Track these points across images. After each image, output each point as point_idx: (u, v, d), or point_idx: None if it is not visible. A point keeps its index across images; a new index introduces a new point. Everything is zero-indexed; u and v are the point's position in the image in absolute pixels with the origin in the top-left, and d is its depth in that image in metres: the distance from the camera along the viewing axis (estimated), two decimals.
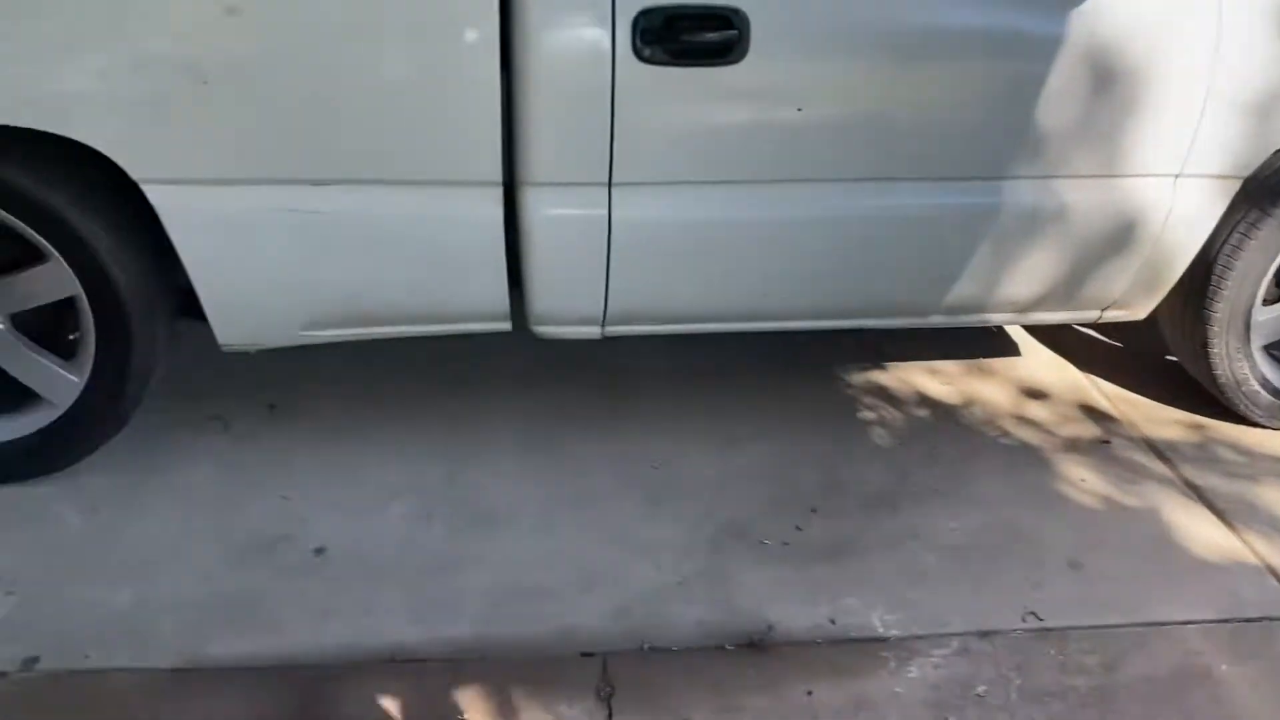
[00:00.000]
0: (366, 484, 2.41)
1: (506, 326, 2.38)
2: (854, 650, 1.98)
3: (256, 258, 2.18)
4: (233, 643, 1.94)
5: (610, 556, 2.21)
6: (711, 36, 2.04)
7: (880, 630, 2.02)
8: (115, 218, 2.15)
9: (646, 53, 2.02)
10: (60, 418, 2.28)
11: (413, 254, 2.22)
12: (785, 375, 2.93)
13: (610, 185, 2.15)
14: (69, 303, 2.18)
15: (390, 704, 1.82)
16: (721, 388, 2.84)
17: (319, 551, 2.20)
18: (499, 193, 2.17)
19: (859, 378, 2.93)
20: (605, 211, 2.19)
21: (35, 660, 1.88)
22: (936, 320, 2.52)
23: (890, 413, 2.76)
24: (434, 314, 2.33)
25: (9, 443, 2.28)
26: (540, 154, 2.12)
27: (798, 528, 2.30)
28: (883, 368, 2.97)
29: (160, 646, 1.92)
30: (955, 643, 1.99)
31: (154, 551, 2.17)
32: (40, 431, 2.28)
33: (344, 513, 2.31)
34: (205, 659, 1.91)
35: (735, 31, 2.03)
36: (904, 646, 1.98)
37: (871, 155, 2.22)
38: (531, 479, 2.46)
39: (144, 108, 1.99)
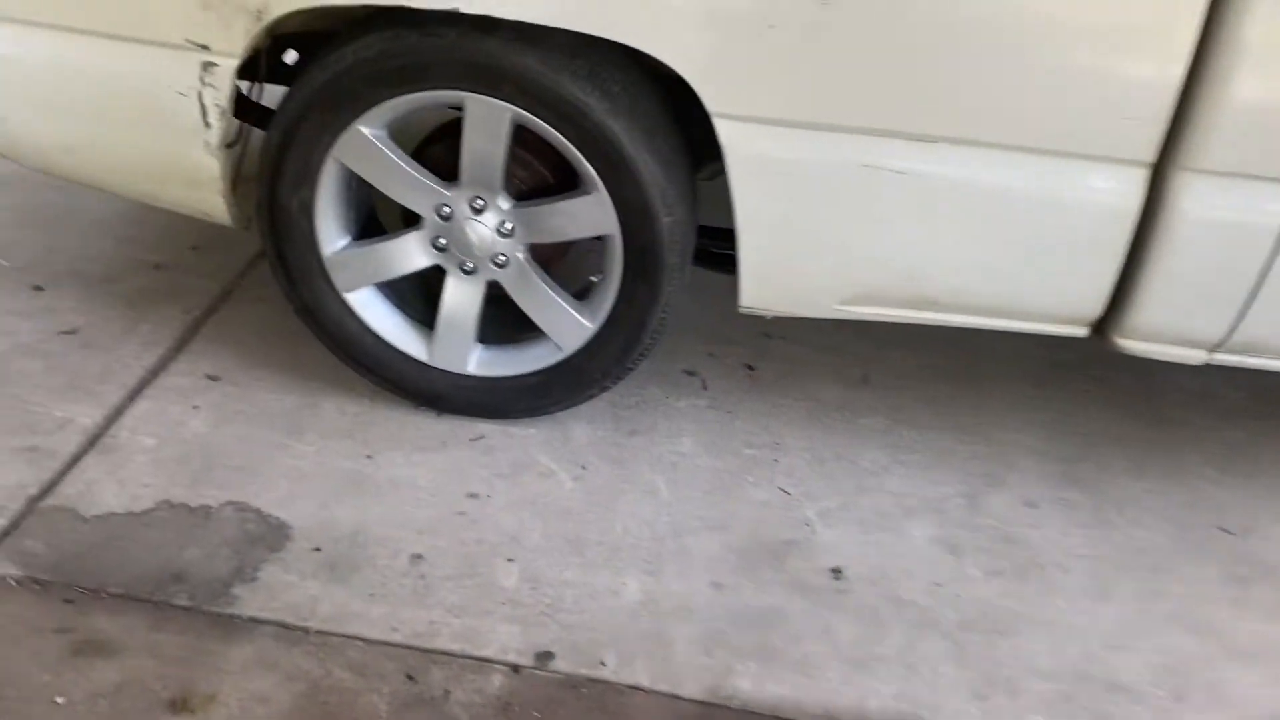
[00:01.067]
0: (872, 489, 2.05)
1: (1083, 332, 1.92)
2: None
3: (817, 216, 1.82)
4: (761, 680, 1.65)
5: (1198, 652, 1.76)
6: None
7: None
8: (669, 154, 1.85)
9: None
10: (562, 362, 2.04)
11: (1009, 235, 1.78)
12: None
13: None
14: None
15: None
16: None
17: (836, 573, 1.87)
18: (1145, 175, 1.69)
19: None
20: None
21: (550, 657, 1.66)
22: None
23: None
24: (1007, 307, 1.90)
25: (509, 378, 2.08)
26: (1223, 134, 1.62)
27: None
28: None
29: (681, 667, 1.66)
30: None
31: (650, 535, 1.91)
32: (540, 372, 2.06)
33: (854, 523, 1.97)
34: (732, 694, 1.62)
35: None
36: None
37: None
38: (1069, 519, 2.02)
39: (744, 28, 1.65)
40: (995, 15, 1.59)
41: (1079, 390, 2.37)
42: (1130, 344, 1.90)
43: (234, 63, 1.81)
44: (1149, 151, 1.66)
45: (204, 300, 2.42)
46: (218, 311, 2.40)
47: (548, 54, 1.73)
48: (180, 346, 2.28)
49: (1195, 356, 1.89)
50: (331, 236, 1.98)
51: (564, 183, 1.95)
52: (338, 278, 2.02)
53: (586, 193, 1.85)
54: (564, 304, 1.98)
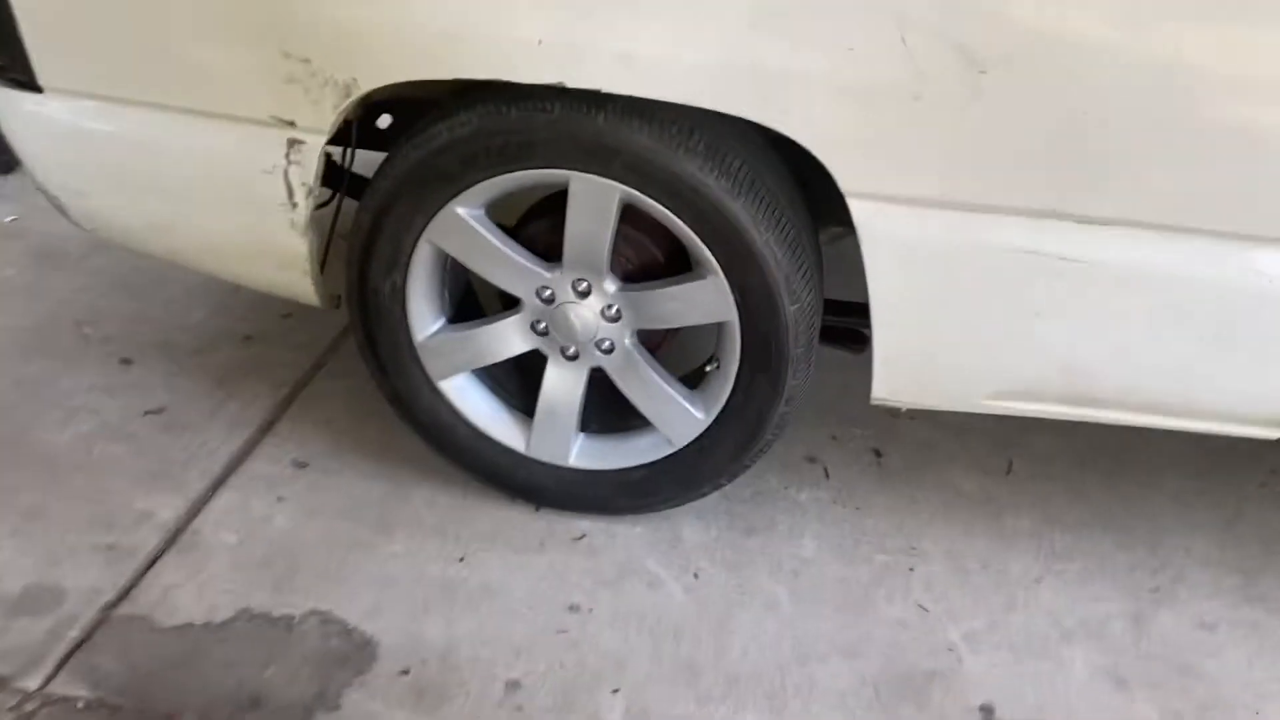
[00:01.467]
0: (1023, 605, 1.81)
1: (1276, 435, 1.66)
2: None
3: (967, 305, 1.59)
4: None
5: None
6: None
7: None
8: (795, 234, 1.65)
9: None
10: (671, 456, 1.85)
11: (1193, 328, 1.54)
12: None
13: None
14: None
15: None
16: None
17: (987, 713, 1.63)
18: None
19: None
20: None
21: None
22: None
23: None
24: (1186, 407, 1.65)
25: (613, 471, 1.90)
26: None
27: None
28: None
29: None
30: None
31: (772, 661, 1.70)
32: (647, 466, 1.87)
33: (1004, 649, 1.73)
34: None
35: None
36: None
37: None
38: (1254, 647, 1.75)
39: (886, 99, 1.44)
40: (1188, 84, 1.36)
41: (1251, 483, 2.08)
42: None
43: (321, 139, 1.67)
44: None
45: (294, 375, 2.30)
46: (308, 387, 2.28)
47: (661, 130, 1.55)
48: (268, 427, 2.16)
49: None
50: (424, 321, 1.83)
51: (677, 263, 1.78)
52: (431, 365, 1.86)
53: (702, 277, 1.67)
54: (674, 394, 1.80)
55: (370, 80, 1.59)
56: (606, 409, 1.89)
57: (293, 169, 1.71)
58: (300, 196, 1.73)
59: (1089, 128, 1.41)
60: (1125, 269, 1.51)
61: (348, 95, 1.60)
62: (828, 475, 2.08)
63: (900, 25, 1.39)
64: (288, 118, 1.66)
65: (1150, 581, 1.87)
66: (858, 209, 1.54)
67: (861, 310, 1.65)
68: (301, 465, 2.07)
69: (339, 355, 2.37)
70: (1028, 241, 1.52)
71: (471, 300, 1.97)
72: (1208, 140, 1.38)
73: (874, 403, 1.75)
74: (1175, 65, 1.34)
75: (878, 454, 2.14)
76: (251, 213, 1.77)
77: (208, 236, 1.86)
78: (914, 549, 1.93)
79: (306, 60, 1.60)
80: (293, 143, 1.68)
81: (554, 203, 1.73)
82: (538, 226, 1.80)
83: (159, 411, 2.19)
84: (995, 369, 1.67)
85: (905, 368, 1.70)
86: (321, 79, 1.60)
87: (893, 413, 2.21)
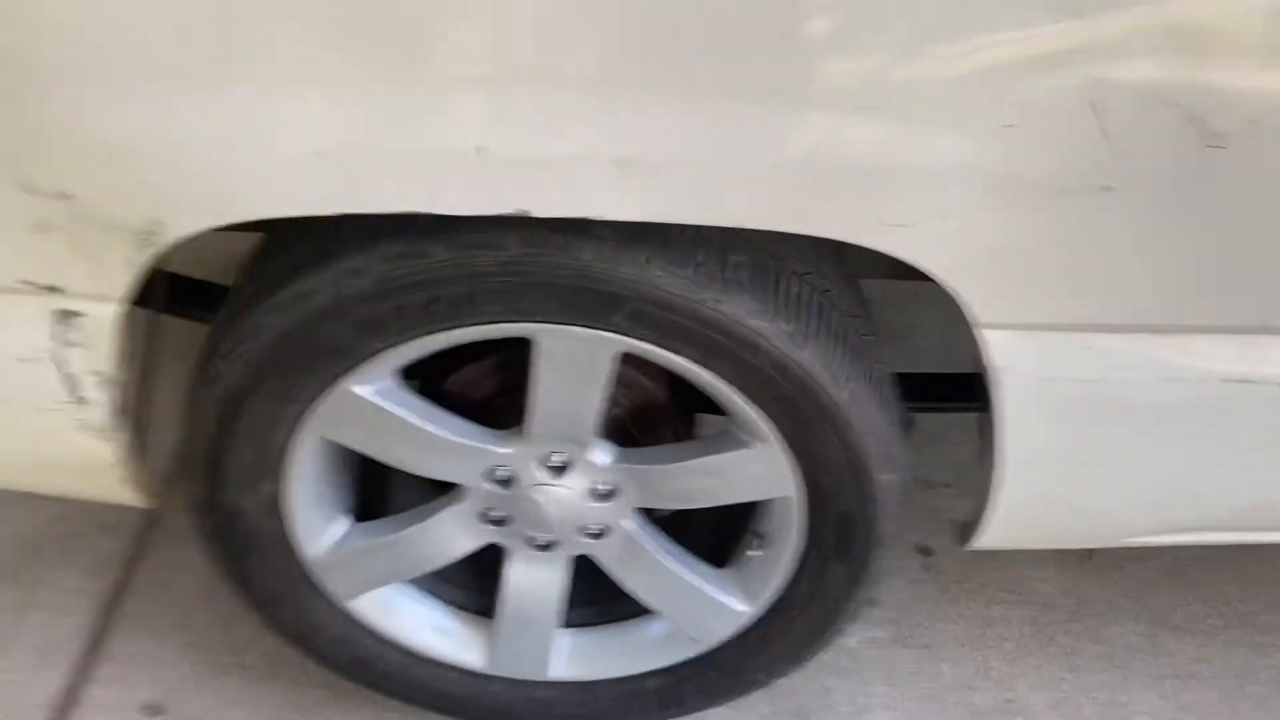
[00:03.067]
0: None
1: None
2: None
3: (1136, 445, 1.10)
4: None
5: None
6: None
7: None
8: (882, 376, 1.11)
9: None
10: (700, 657, 1.32)
11: None
12: None
13: None
14: None
15: None
16: None
17: None
18: None
19: None
20: None
21: None
22: None
23: None
24: None
25: (610, 682, 1.35)
26: None
27: None
28: None
29: None
30: None
31: None
32: (664, 672, 1.33)
33: None
34: None
35: None
36: None
37: None
38: None
39: (1050, 194, 0.90)
40: None
41: None
42: None
43: (109, 309, 1.01)
44: None
45: (116, 549, 1.63)
46: (141, 566, 1.62)
47: (684, 260, 0.96)
48: (94, 647, 1.51)
49: None
50: (318, 531, 1.22)
51: (688, 401, 1.22)
52: (336, 584, 1.25)
53: (744, 444, 1.11)
54: (696, 582, 1.25)
55: (184, 224, 0.93)
56: (595, 586, 1.34)
57: (72, 353, 1.04)
58: (90, 389, 1.07)
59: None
60: None
61: (147, 245, 0.95)
62: (874, 602, 1.58)
63: (1092, 89, 0.84)
64: (46, 282, 0.99)
65: None
66: (995, 342, 1.01)
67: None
68: (155, 712, 1.44)
69: (173, 501, 1.71)
70: (1236, 366, 1.03)
71: (377, 478, 1.35)
72: None
73: (968, 548, 1.25)
74: None
75: (925, 554, 1.66)
76: (23, 418, 1.10)
77: None
78: (1010, 701, 1.47)
79: (63, 196, 0.93)
80: (62, 316, 1.02)
81: (491, 346, 1.13)
82: (467, 377, 1.20)
83: None
84: (1158, 510, 1.19)
85: (1034, 516, 1.21)
86: (99, 223, 0.94)
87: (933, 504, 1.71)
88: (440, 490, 1.26)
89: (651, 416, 1.23)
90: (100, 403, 1.08)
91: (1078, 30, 0.82)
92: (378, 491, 1.32)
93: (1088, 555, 1.66)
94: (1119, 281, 0.96)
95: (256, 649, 1.50)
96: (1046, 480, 1.15)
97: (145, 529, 1.67)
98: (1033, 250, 0.95)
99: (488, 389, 1.21)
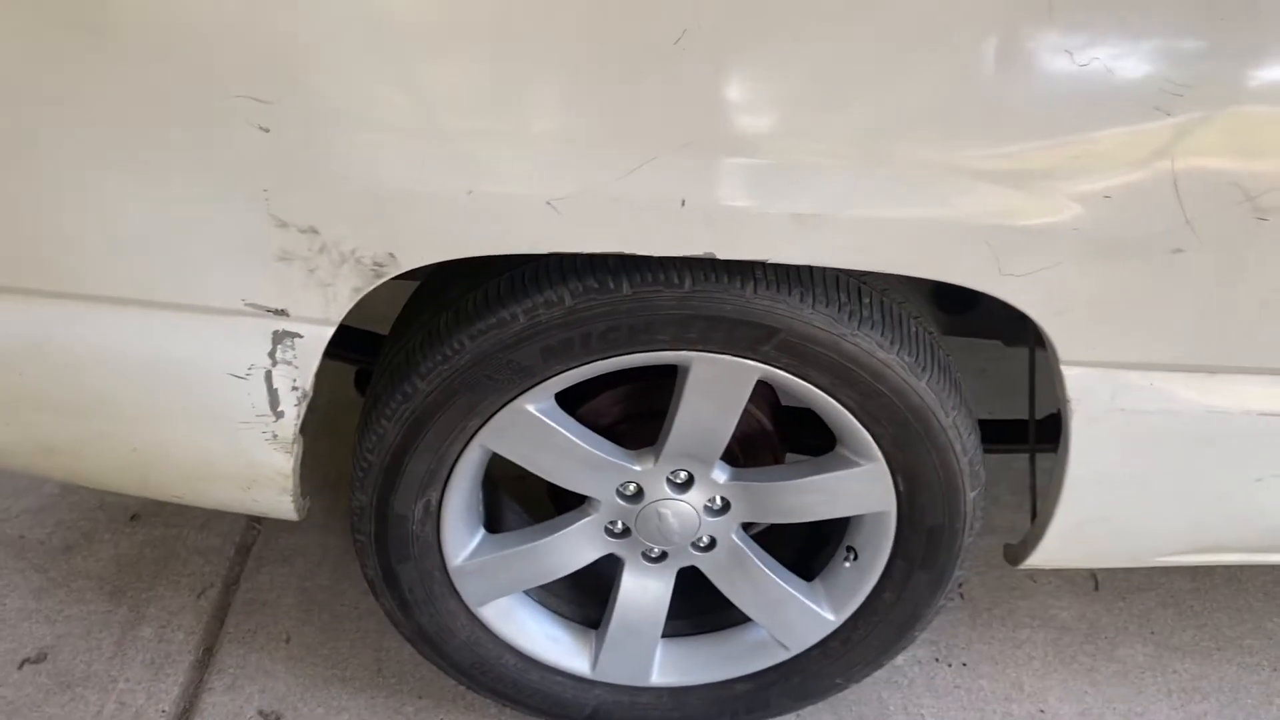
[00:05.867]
0: None
1: None
2: None
3: (1183, 471, 1.31)
4: None
5: None
6: None
7: None
8: (972, 404, 1.30)
9: None
10: (787, 662, 1.48)
11: None
12: None
13: None
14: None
15: None
16: None
17: None
18: None
19: None
20: None
21: None
22: None
23: None
24: None
25: (703, 687, 1.50)
26: None
27: None
28: None
29: None
30: None
31: None
32: (753, 676, 1.49)
33: None
34: None
35: None
36: None
37: None
38: None
39: (1139, 252, 1.11)
40: None
41: None
42: None
43: (327, 332, 1.16)
44: None
45: (217, 565, 1.74)
46: (242, 582, 1.73)
47: (828, 299, 1.15)
48: (205, 661, 1.61)
49: None
50: (461, 540, 1.36)
51: (787, 428, 1.40)
52: (469, 590, 1.39)
53: (852, 463, 1.29)
54: (795, 592, 1.42)
55: (418, 255, 1.09)
56: (691, 598, 1.49)
57: (279, 370, 1.19)
58: (289, 404, 1.21)
59: None
60: None
61: (377, 275, 1.11)
62: (950, 665, 1.76)
63: (1173, 168, 1.06)
64: (276, 305, 1.14)
65: None
66: (1075, 378, 1.20)
67: None
68: (272, 718, 1.54)
69: (267, 521, 1.83)
70: (1269, 403, 1.24)
71: (499, 499, 1.50)
72: None
73: (1019, 566, 1.44)
74: None
75: (957, 584, 1.84)
76: (207, 427, 1.23)
77: (139, 457, 1.29)
78: (1043, 711, 1.65)
79: (312, 230, 1.08)
80: (282, 336, 1.17)
81: (623, 377, 1.31)
82: (604, 403, 1.36)
83: (39, 661, 1.59)
84: (1193, 531, 1.39)
85: (1085, 537, 1.39)
86: (337, 255, 1.10)
87: None
88: (560, 506, 1.42)
89: (757, 443, 1.40)
90: (292, 417, 1.22)
91: (1165, 126, 1.04)
92: (495, 505, 1.48)
93: (1095, 584, 1.86)
94: (1179, 327, 1.17)
95: (355, 662, 1.62)
96: (1100, 502, 1.34)
97: (237, 554, 1.78)
98: (1112, 299, 1.15)
99: (614, 415, 1.38)
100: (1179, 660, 1.75)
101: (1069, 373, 1.20)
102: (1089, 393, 1.22)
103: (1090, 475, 1.29)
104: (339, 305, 1.13)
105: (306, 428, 1.26)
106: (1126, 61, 1.01)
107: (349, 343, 1.46)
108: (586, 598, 1.51)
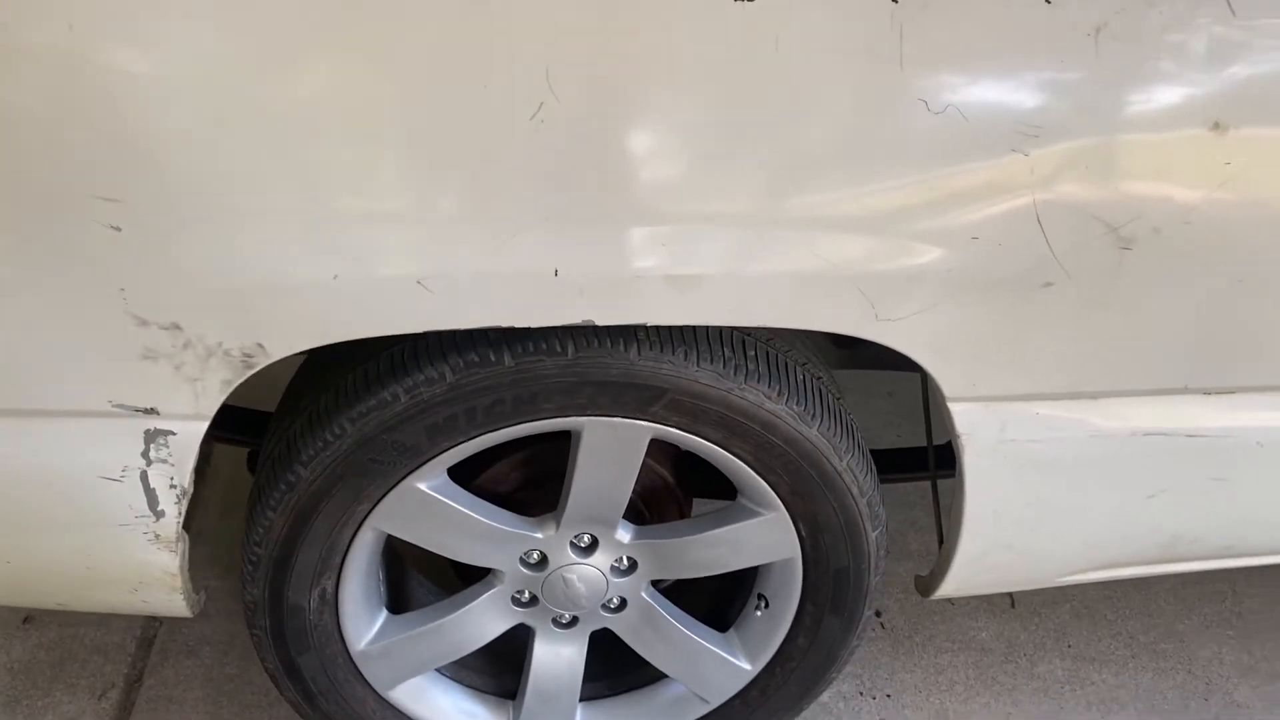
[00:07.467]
0: None
1: None
2: None
3: (1076, 495, 1.32)
4: None
5: None
6: None
7: None
8: (865, 442, 1.31)
9: None
10: (706, 716, 1.46)
11: None
12: None
13: None
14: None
15: None
16: None
17: None
18: None
19: None
20: None
21: None
22: None
23: None
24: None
25: None
26: None
27: None
28: None
29: None
30: None
31: None
32: None
33: None
34: None
35: None
36: None
37: None
38: None
39: (1011, 290, 1.12)
40: None
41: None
42: None
43: (201, 426, 1.12)
44: None
45: (118, 664, 1.67)
46: (145, 681, 1.66)
47: (713, 356, 1.14)
48: None
49: None
50: (363, 624, 1.32)
51: (688, 480, 1.39)
52: (376, 674, 1.35)
53: (753, 514, 1.29)
54: (708, 645, 1.40)
55: (287, 343, 1.06)
56: (606, 658, 1.47)
57: (155, 469, 1.14)
58: (168, 503, 1.16)
59: (1245, 296, 1.17)
60: (1259, 432, 1.30)
61: (248, 367, 1.07)
62: (890, 697, 1.76)
63: (1035, 205, 1.07)
64: (144, 405, 1.10)
65: (1207, 712, 1.71)
66: (962, 414, 1.22)
67: None
68: None
69: (173, 620, 1.76)
70: (1152, 422, 1.27)
71: (402, 575, 1.47)
72: None
73: (930, 596, 1.45)
74: None
75: (876, 615, 1.85)
76: (89, 535, 1.18)
77: (17, 567, 1.24)
78: None
79: (175, 327, 1.05)
80: (154, 435, 1.12)
81: (519, 445, 1.29)
82: (502, 470, 1.34)
83: None
84: (1094, 551, 1.41)
85: (990, 565, 1.40)
86: (202, 349, 1.06)
87: None
88: (465, 578, 1.39)
89: (660, 497, 1.39)
90: (173, 516, 1.18)
91: (1024, 167, 1.06)
92: (395, 580, 1.44)
93: (1011, 602, 1.89)
94: (1058, 357, 1.19)
95: None
96: (1000, 531, 1.36)
97: (139, 649, 1.71)
98: (989, 335, 1.17)
99: (514, 481, 1.35)
100: (1096, 671, 1.78)
101: (956, 409, 1.22)
102: (977, 426, 1.23)
103: (988, 505, 1.31)
104: (210, 399, 1.09)
105: (191, 522, 1.21)
106: (979, 108, 1.02)
107: (235, 425, 1.42)
108: (500, 667, 1.48)
